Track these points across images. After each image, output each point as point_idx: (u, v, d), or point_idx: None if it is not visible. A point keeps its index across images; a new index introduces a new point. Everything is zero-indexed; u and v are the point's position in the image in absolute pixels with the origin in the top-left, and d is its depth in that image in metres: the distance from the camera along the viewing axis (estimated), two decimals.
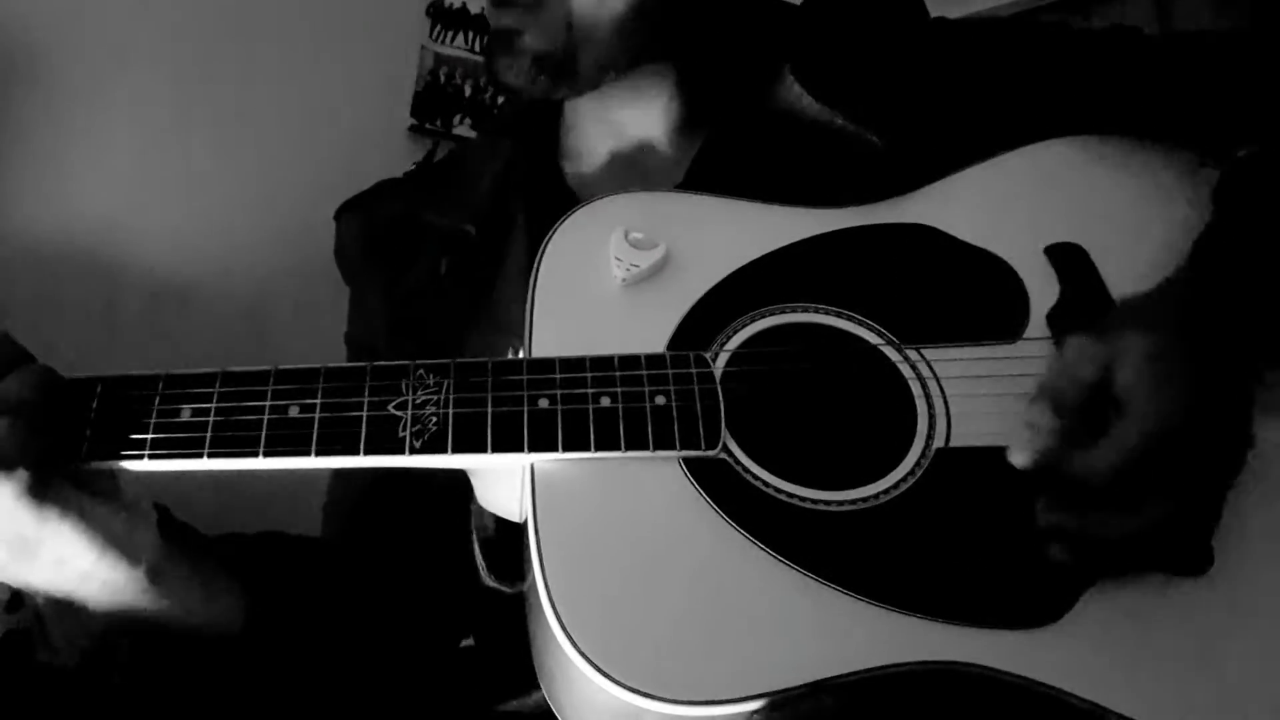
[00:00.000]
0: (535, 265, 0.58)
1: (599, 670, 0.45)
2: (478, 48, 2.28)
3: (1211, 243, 0.54)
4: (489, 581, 0.61)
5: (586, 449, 0.50)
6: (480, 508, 0.60)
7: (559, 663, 0.48)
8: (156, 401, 0.50)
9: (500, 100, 2.23)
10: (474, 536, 0.62)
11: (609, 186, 0.67)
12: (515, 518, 0.57)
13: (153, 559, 0.54)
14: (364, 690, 0.67)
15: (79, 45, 1.67)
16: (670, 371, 0.53)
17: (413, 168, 0.85)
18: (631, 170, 0.74)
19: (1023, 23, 0.81)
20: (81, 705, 0.81)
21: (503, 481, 0.55)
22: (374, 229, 0.79)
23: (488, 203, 0.75)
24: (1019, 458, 0.50)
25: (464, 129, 2.24)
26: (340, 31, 2.10)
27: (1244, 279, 0.52)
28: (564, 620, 0.46)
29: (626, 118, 0.75)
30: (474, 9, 2.27)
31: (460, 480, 0.59)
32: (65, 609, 0.98)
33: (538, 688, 0.57)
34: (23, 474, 0.46)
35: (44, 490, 0.47)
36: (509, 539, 0.58)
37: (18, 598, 0.98)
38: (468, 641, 0.79)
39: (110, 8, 1.72)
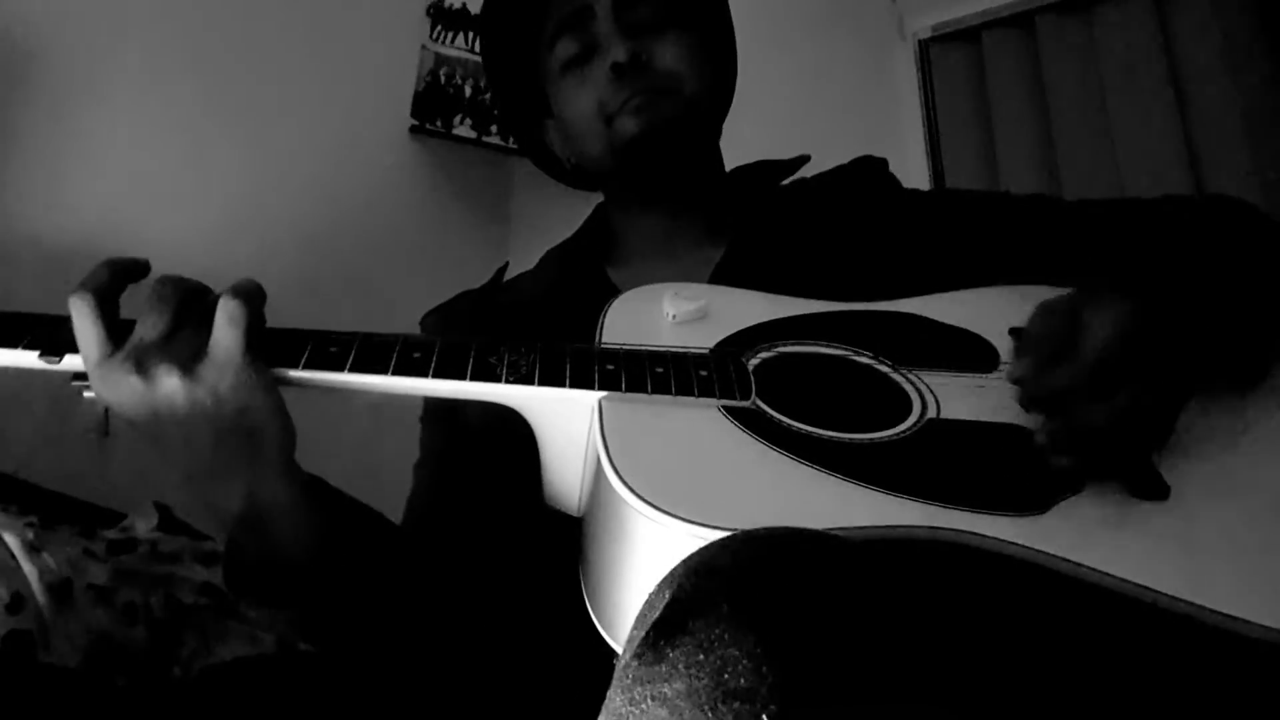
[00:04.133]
0: (603, 311, 0.74)
1: (656, 507, 0.54)
2: (478, 48, 2.28)
3: (1157, 274, 0.69)
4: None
5: (644, 391, 0.64)
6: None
7: (623, 521, 0.57)
8: (311, 341, 0.65)
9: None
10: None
11: (645, 282, 0.81)
12: (574, 509, 0.68)
13: (291, 452, 0.66)
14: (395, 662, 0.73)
15: (79, 46, 1.67)
16: (712, 360, 0.68)
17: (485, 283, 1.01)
18: (665, 269, 0.89)
19: (968, 193, 1.01)
20: (82, 705, 0.82)
21: (565, 463, 0.67)
22: (453, 315, 0.94)
23: (550, 292, 0.93)
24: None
25: (464, 129, 2.25)
26: (340, 31, 2.10)
27: (1184, 289, 0.67)
28: (626, 479, 0.56)
29: (665, 228, 0.93)
30: (474, 9, 2.27)
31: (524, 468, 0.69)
32: (66, 609, 0.97)
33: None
34: (247, 318, 0.62)
35: (253, 348, 0.62)
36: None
37: (19, 599, 0.98)
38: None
39: (110, 8, 1.73)
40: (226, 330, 0.61)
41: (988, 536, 0.56)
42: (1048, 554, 0.56)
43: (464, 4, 2.30)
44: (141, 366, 0.60)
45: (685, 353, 0.67)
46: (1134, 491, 0.61)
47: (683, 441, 0.61)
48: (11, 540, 1.03)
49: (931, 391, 0.68)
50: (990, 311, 0.76)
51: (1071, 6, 1.97)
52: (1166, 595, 0.55)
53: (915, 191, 0.97)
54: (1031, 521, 0.58)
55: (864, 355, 0.71)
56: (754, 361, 0.69)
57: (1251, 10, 1.80)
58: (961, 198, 0.98)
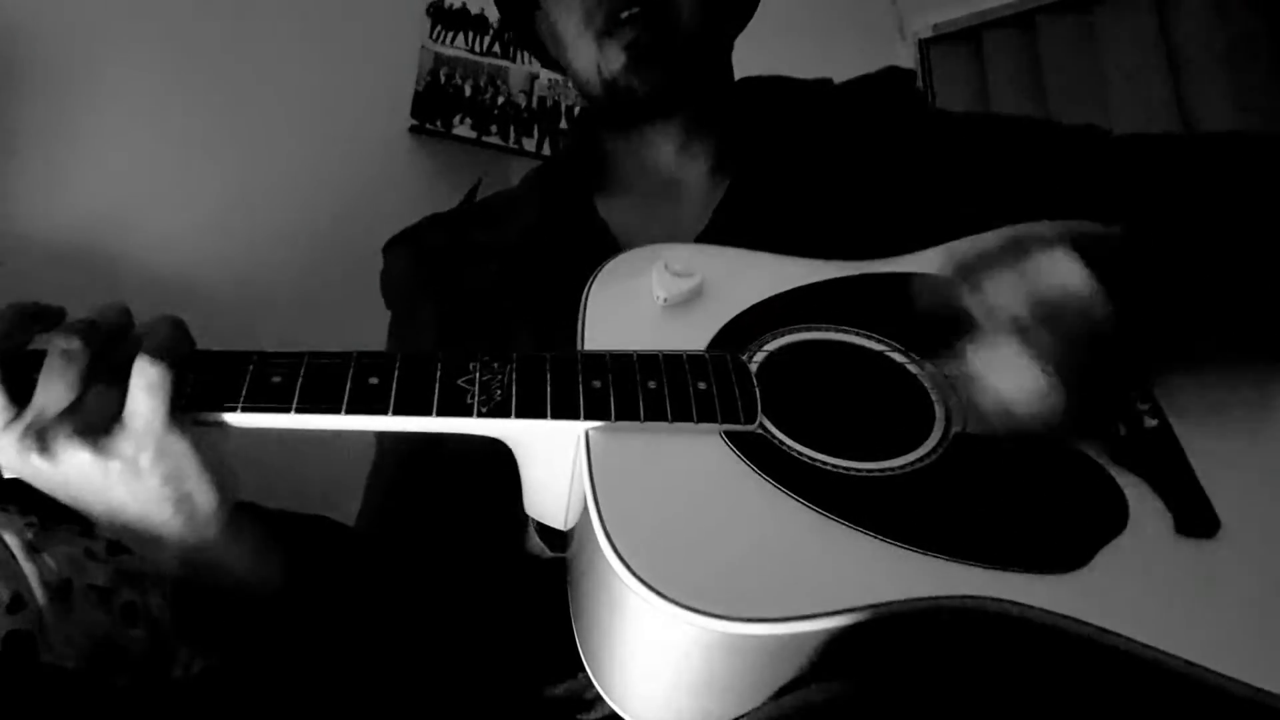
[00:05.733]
0: (585, 291, 0.65)
1: (653, 590, 0.48)
2: (478, 48, 2.28)
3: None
4: (534, 541, 0.65)
5: (636, 419, 0.56)
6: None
7: (614, 597, 0.50)
8: (250, 370, 0.56)
9: (500, 101, 2.23)
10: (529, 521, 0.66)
11: (638, 220, 0.74)
12: (560, 525, 0.62)
13: (232, 506, 0.58)
14: (390, 673, 0.70)
15: (79, 46, 1.67)
16: (710, 366, 0.59)
17: (455, 206, 0.91)
18: (661, 205, 0.81)
19: (1006, 118, 0.88)
20: (82, 705, 0.82)
21: (549, 486, 0.59)
22: (424, 253, 0.84)
23: (531, 225, 0.82)
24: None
25: (464, 129, 2.24)
26: (340, 31, 2.10)
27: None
28: (619, 549, 0.49)
29: (663, 159, 0.83)
30: (474, 9, 2.27)
31: (498, 462, 0.62)
32: (64, 611, 0.97)
33: (574, 673, 0.59)
34: (169, 385, 0.53)
35: (176, 411, 0.54)
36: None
37: (19, 599, 0.98)
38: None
39: (110, 8, 1.72)
40: (144, 400, 0.52)
41: (1031, 607, 0.50)
42: (1095, 626, 0.49)
43: (464, 4, 2.29)
44: (43, 443, 0.52)
45: (681, 356, 0.59)
46: (1180, 526, 0.55)
47: (680, 489, 0.54)
48: (11, 540, 1.03)
49: (956, 392, 0.61)
50: None
51: (1071, 6, 1.96)
52: (1208, 670, 0.49)
53: (945, 114, 0.85)
54: (1074, 579, 0.52)
55: (882, 343, 0.64)
56: (757, 360, 0.61)
57: (1252, 10, 1.80)
58: (1000, 122, 0.85)
